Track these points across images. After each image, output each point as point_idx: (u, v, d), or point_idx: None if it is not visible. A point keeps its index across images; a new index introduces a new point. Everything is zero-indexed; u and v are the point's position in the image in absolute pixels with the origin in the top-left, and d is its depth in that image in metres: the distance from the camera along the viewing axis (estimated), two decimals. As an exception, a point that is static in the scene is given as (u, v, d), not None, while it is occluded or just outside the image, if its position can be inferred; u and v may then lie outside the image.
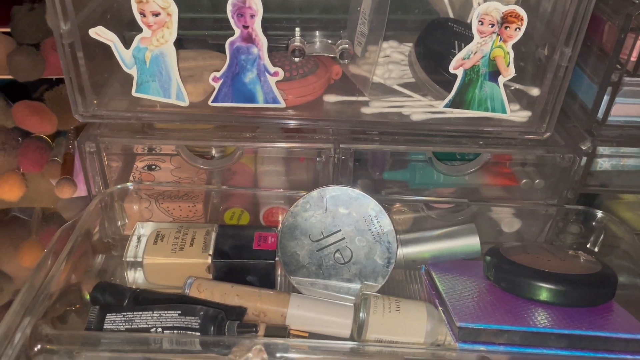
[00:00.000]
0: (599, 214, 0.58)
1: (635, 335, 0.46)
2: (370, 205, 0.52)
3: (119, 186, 0.56)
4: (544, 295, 0.48)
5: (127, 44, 0.51)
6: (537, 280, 0.48)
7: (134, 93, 0.53)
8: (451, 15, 0.61)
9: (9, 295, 0.61)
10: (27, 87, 0.70)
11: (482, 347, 0.46)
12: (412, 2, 0.61)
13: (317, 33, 0.54)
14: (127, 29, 0.56)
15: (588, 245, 0.59)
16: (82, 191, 0.64)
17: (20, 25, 0.61)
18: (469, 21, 0.60)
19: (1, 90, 0.69)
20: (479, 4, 0.58)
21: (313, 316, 0.50)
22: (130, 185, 0.57)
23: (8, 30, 0.63)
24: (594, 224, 0.59)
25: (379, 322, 0.49)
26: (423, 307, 0.50)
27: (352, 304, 0.51)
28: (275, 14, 0.58)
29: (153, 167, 0.63)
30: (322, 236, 0.53)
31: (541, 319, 0.47)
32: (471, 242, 0.55)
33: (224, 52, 0.57)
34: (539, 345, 0.46)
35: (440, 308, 0.50)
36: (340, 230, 0.53)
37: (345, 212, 0.52)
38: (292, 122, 0.55)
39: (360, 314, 0.49)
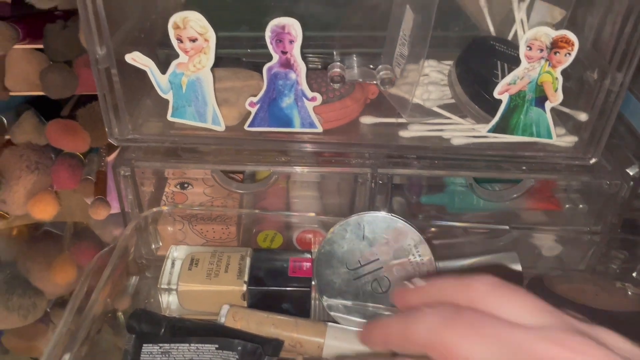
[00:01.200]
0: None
1: None
2: (409, 234, 0.51)
3: (154, 209, 0.56)
4: None
5: (159, 61, 0.50)
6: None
7: (169, 118, 0.52)
8: (493, 33, 0.59)
9: (42, 311, 0.61)
10: (57, 101, 0.70)
11: None
12: (451, 19, 0.59)
13: (354, 57, 0.52)
14: (160, 47, 0.55)
15: (634, 275, 0.57)
16: (114, 208, 0.64)
17: (54, 43, 0.60)
18: (509, 38, 0.58)
19: (32, 105, 0.69)
20: (522, 23, 0.56)
21: (350, 347, 0.49)
22: (165, 209, 0.56)
23: (41, 47, 0.62)
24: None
25: None
26: None
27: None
28: (311, 31, 0.57)
29: (185, 185, 0.62)
30: (359, 265, 0.52)
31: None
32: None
33: (258, 71, 0.56)
34: None
35: None
36: (377, 259, 0.52)
37: (384, 241, 0.51)
38: (329, 147, 0.54)
39: None
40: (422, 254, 0.51)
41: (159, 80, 0.50)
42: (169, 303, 0.54)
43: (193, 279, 0.52)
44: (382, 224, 0.51)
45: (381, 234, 0.51)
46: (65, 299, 0.61)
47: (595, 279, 0.53)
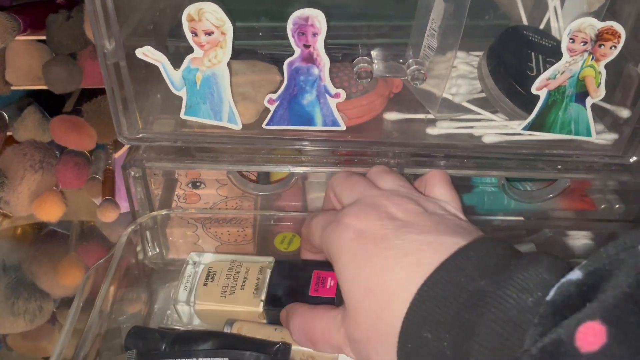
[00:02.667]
0: None
1: None
2: None
3: (150, 214, 0.52)
4: None
5: (169, 54, 0.47)
6: None
7: (182, 116, 0.49)
8: (525, 22, 0.55)
9: (49, 314, 0.59)
10: (59, 95, 0.67)
11: None
12: (481, 7, 0.55)
13: (379, 50, 0.48)
14: (170, 37, 0.52)
15: None
16: (123, 208, 0.61)
17: (57, 35, 0.57)
18: (541, 27, 0.55)
19: (34, 98, 0.66)
20: (555, 10, 0.53)
21: None
22: (167, 211, 0.53)
23: (43, 38, 0.59)
24: None
25: None
26: None
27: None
28: (333, 21, 0.53)
29: (198, 184, 0.59)
30: None
31: None
32: None
33: (275, 64, 0.53)
34: None
35: None
36: None
37: None
38: (352, 146, 0.50)
39: None
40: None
41: (172, 76, 0.46)
42: (190, 315, 0.51)
43: (208, 297, 0.48)
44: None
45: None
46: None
47: None
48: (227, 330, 0.48)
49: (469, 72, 0.55)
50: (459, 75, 0.54)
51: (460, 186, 0.56)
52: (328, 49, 0.45)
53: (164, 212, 0.52)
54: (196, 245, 0.57)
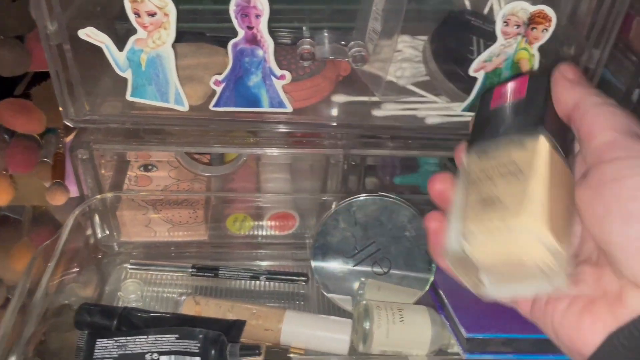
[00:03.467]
0: None
1: None
2: (401, 211, 0.49)
3: (98, 197, 0.53)
4: None
5: (119, 37, 0.47)
6: None
7: (128, 97, 0.49)
8: (468, 7, 0.57)
9: (2, 299, 0.58)
10: (10, 79, 0.66)
11: (490, 357, 0.45)
12: (426, -8, 0.57)
13: (325, 33, 0.49)
14: (119, 20, 0.52)
15: None
16: (74, 192, 0.61)
17: (3, 17, 0.56)
18: (485, 12, 0.56)
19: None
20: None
21: (308, 332, 0.49)
22: (114, 193, 0.53)
23: (-11, 20, 0.58)
24: None
25: (384, 335, 0.47)
26: (426, 313, 0.49)
27: (349, 319, 0.49)
28: (278, 4, 0.54)
29: (150, 167, 0.59)
30: (356, 251, 0.51)
31: None
32: None
33: (223, 47, 0.53)
34: (546, 352, 0.45)
35: (441, 313, 0.49)
36: (374, 242, 0.50)
37: (377, 222, 0.50)
38: (299, 127, 0.52)
39: (365, 326, 0.47)
40: (417, 228, 0.50)
41: (116, 58, 0.46)
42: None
43: None
44: (372, 206, 0.50)
45: (373, 215, 0.50)
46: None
47: None
48: (181, 304, 0.49)
49: (414, 56, 0.56)
50: (404, 58, 0.55)
51: (407, 166, 0.58)
52: (274, 31, 0.46)
53: (111, 194, 0.52)
54: (148, 227, 0.57)
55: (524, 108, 0.31)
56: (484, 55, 0.48)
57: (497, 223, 0.28)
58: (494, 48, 0.47)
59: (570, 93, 0.29)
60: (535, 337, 0.44)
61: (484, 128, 0.32)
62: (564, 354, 0.45)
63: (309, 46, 0.46)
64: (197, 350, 0.43)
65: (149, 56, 0.46)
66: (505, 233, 0.27)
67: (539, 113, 0.30)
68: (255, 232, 0.60)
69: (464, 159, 0.32)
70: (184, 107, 0.49)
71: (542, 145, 0.29)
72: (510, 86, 0.33)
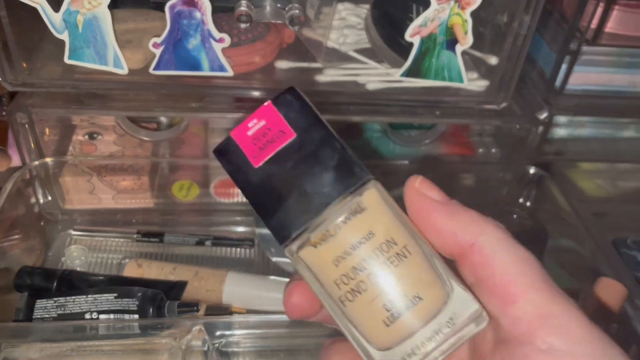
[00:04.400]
0: (532, 169, 0.57)
1: None
2: None
3: (36, 162, 0.52)
4: None
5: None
6: None
7: (66, 60, 0.48)
8: (409, -25, 0.58)
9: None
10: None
11: None
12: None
13: (266, -5, 0.50)
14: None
15: (520, 200, 0.59)
16: (17, 161, 0.60)
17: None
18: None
19: None
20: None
21: (250, 292, 0.50)
22: (55, 159, 0.53)
23: None
24: (526, 179, 0.58)
25: None
26: None
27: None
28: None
29: (94, 135, 0.59)
30: None
31: None
32: None
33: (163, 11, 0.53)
34: None
35: None
36: None
37: None
38: (241, 92, 0.52)
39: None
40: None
41: (52, 19, 0.46)
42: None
43: None
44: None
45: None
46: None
47: (483, 205, 0.56)
48: (123, 265, 0.50)
49: (357, 23, 0.57)
50: (347, 25, 0.56)
51: (350, 132, 0.59)
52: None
53: (50, 159, 0.52)
54: (92, 194, 0.57)
55: (314, 151, 0.24)
56: (419, 20, 0.49)
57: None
58: (428, 13, 0.48)
59: (452, 222, 0.23)
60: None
61: (279, 203, 0.24)
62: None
63: (245, 8, 0.47)
64: (136, 309, 0.44)
65: (86, 18, 0.46)
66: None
67: (333, 148, 0.24)
68: (202, 200, 0.60)
69: (300, 258, 0.25)
70: (123, 70, 0.49)
71: (374, 196, 0.24)
72: (259, 128, 0.25)
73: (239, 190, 0.25)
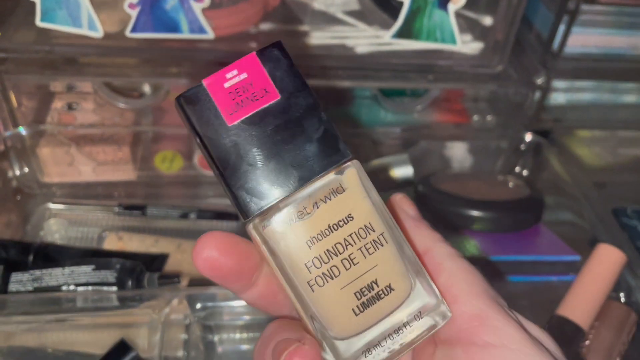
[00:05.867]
0: (529, 136, 0.55)
1: (559, 257, 0.47)
2: None
3: (10, 131, 0.50)
4: (470, 223, 0.48)
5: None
6: (463, 208, 0.48)
7: (38, 23, 0.46)
8: None
9: None
10: None
11: None
12: None
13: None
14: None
15: (517, 169, 0.57)
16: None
17: None
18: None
19: None
20: None
21: None
22: (29, 128, 0.51)
23: None
24: (522, 146, 0.56)
25: None
26: None
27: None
28: None
29: (74, 105, 0.57)
30: None
31: (470, 247, 0.47)
32: (405, 172, 0.52)
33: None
34: None
35: None
36: None
37: None
38: (223, 56, 0.50)
39: None
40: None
41: (21, -23, 0.44)
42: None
43: None
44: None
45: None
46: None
47: (479, 174, 0.55)
48: (103, 238, 0.48)
49: (345, -16, 0.55)
50: (334, -14, 0.54)
51: (339, 99, 0.57)
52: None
53: (24, 128, 0.50)
54: (71, 166, 0.55)
55: (299, 119, 0.22)
56: (409, -24, 0.46)
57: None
58: (418, -32, 0.46)
59: (418, 235, 0.25)
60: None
61: (251, 171, 0.22)
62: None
63: (224, -36, 0.44)
64: (114, 281, 0.42)
65: (56, -25, 0.44)
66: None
67: (319, 119, 0.22)
68: (186, 172, 0.58)
69: (266, 235, 0.22)
70: (98, 33, 0.47)
71: (355, 177, 0.22)
72: (239, 81, 0.22)
73: (201, 150, 0.22)
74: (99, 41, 0.48)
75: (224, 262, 0.22)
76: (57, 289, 0.42)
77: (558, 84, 0.57)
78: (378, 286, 0.22)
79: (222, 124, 0.21)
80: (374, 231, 0.22)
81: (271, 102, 0.22)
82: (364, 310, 0.22)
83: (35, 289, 0.43)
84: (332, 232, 0.22)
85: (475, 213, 0.48)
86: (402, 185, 0.53)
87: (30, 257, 0.46)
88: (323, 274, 0.22)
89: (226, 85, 0.22)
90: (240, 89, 0.22)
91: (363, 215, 0.22)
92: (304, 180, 0.22)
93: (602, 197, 0.52)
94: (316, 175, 0.22)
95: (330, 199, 0.22)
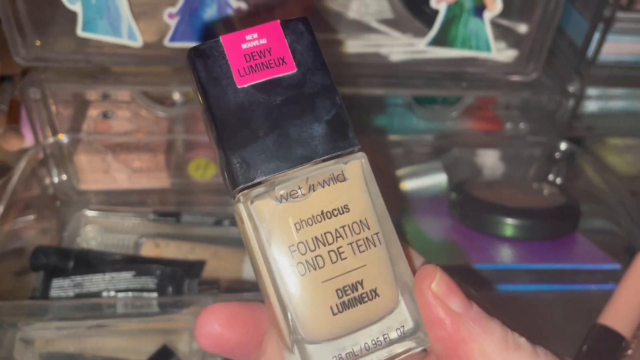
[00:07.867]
0: (563, 145, 0.55)
1: (598, 266, 0.46)
2: None
3: (50, 139, 0.51)
4: (507, 231, 0.47)
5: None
6: (499, 215, 0.47)
7: (79, 33, 0.47)
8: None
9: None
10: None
11: None
12: None
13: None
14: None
15: (550, 177, 0.57)
16: (31, 141, 0.59)
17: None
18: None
19: None
20: None
21: None
22: (70, 136, 0.51)
23: None
24: (556, 155, 0.56)
25: None
26: None
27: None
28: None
29: (108, 114, 0.57)
30: None
31: (506, 256, 0.46)
32: (438, 180, 0.52)
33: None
34: (505, 281, 0.45)
35: None
36: None
37: None
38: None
39: None
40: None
41: (64, -12, 0.45)
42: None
43: None
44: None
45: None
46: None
47: (513, 182, 0.55)
48: (140, 244, 0.48)
49: (378, -7, 0.55)
50: (368, -5, 0.54)
51: (373, 106, 0.57)
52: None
53: (64, 136, 0.51)
54: (107, 173, 0.56)
55: (312, 96, 0.21)
56: (446, -16, 0.47)
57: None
58: (455, -24, 0.46)
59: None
60: (493, 267, 0.45)
61: (252, 138, 0.21)
62: (521, 283, 0.45)
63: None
64: (155, 287, 0.43)
65: (99, -14, 0.44)
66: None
67: (332, 101, 0.21)
68: (220, 179, 0.58)
69: (253, 209, 0.21)
70: (137, 43, 0.47)
71: (359, 169, 0.21)
72: (258, 45, 0.21)
73: (202, 108, 0.21)
74: (136, 50, 0.48)
75: (228, 337, 0.20)
76: (97, 295, 0.43)
77: (592, 91, 0.57)
78: (363, 288, 0.20)
79: (231, 84, 0.21)
80: (368, 229, 0.21)
81: (286, 73, 0.21)
82: (343, 310, 0.20)
83: (76, 295, 0.43)
84: (325, 219, 0.20)
85: (511, 221, 0.47)
86: (435, 194, 0.53)
87: (71, 263, 0.46)
88: (306, 261, 0.20)
89: (244, 46, 0.21)
90: (257, 53, 0.21)
91: (360, 209, 0.21)
92: (305, 159, 0.21)
93: (638, 205, 0.52)
94: (319, 157, 0.21)
95: (328, 185, 0.21)
